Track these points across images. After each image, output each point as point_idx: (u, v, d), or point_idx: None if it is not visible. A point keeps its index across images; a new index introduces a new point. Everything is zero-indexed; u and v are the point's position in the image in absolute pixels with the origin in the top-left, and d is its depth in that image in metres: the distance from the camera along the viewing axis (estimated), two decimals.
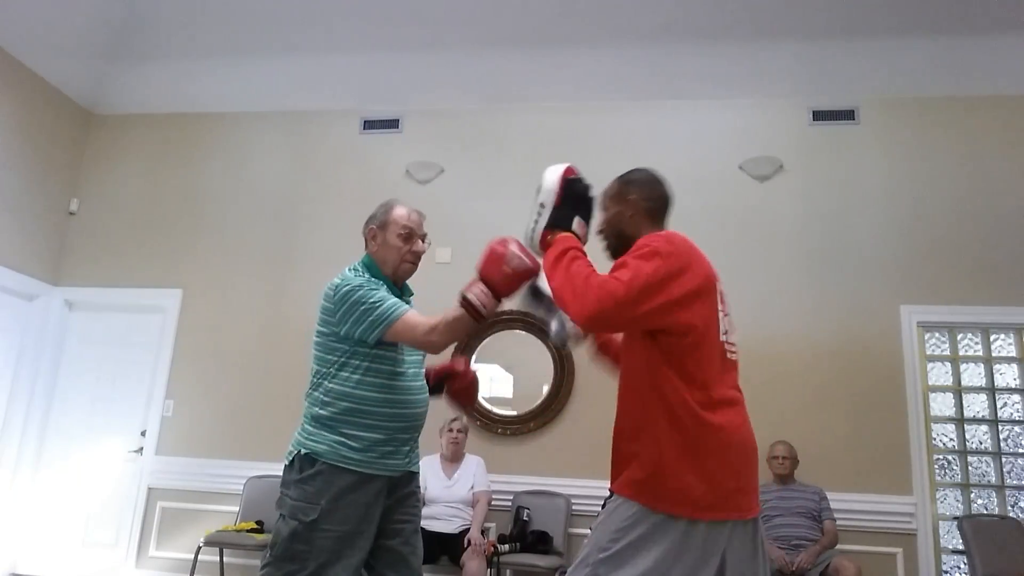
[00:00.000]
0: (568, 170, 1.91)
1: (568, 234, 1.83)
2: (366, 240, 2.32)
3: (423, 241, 2.32)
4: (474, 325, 2.06)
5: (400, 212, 2.29)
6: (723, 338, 1.74)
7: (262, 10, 5.13)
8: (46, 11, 4.94)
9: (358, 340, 2.13)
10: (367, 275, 2.24)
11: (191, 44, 5.38)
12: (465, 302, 2.00)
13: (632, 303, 1.59)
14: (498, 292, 2.00)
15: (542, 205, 1.87)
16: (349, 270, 2.25)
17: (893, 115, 4.89)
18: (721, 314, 1.75)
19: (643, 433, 1.68)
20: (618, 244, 1.90)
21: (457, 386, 2.33)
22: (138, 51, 5.46)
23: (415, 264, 2.31)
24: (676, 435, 1.62)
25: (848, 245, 4.72)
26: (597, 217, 1.97)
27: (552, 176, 1.90)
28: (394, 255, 2.26)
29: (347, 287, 2.15)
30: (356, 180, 5.31)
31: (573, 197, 1.87)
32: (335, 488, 2.08)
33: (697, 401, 1.63)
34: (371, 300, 2.11)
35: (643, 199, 1.89)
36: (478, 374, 2.37)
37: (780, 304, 4.66)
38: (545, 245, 1.83)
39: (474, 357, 4.85)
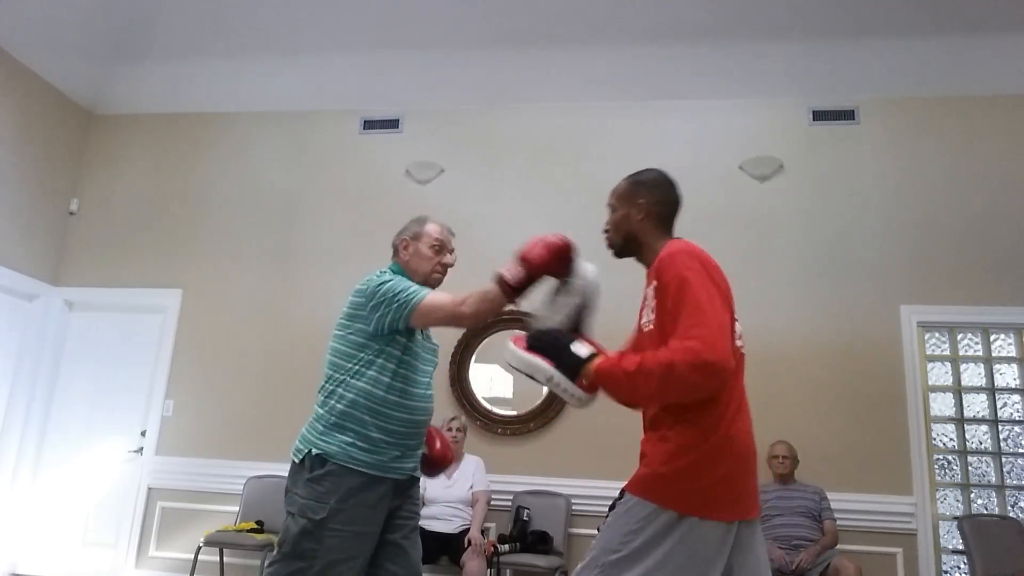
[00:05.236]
0: (517, 340, 1.83)
1: (593, 363, 1.70)
2: (396, 249, 2.45)
3: (451, 254, 2.46)
4: (504, 302, 2.11)
5: (433, 227, 2.45)
6: (739, 343, 1.76)
7: (262, 10, 5.13)
8: (46, 11, 4.94)
9: (389, 331, 2.21)
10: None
11: (191, 44, 5.38)
12: (498, 276, 2.06)
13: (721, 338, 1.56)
14: (531, 267, 2.02)
15: (549, 379, 1.74)
16: (380, 272, 2.34)
17: (893, 115, 4.89)
18: (734, 320, 1.76)
19: (663, 435, 1.67)
20: (624, 246, 1.90)
21: (427, 461, 2.46)
22: (138, 51, 5.46)
23: (443, 275, 2.44)
24: (700, 444, 1.61)
25: (848, 245, 4.72)
26: (606, 216, 1.95)
27: (522, 355, 1.79)
28: (425, 265, 2.39)
29: (379, 281, 2.25)
30: (356, 180, 5.31)
31: (551, 346, 1.76)
32: (344, 488, 2.12)
33: (725, 416, 1.64)
34: (397, 289, 2.21)
35: (653, 203, 1.86)
36: (448, 457, 2.51)
37: (780, 304, 4.66)
38: (592, 387, 1.72)
39: (474, 357, 4.85)
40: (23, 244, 5.16)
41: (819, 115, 4.96)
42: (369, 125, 5.44)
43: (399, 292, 2.20)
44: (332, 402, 2.21)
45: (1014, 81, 4.79)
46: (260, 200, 5.41)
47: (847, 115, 4.93)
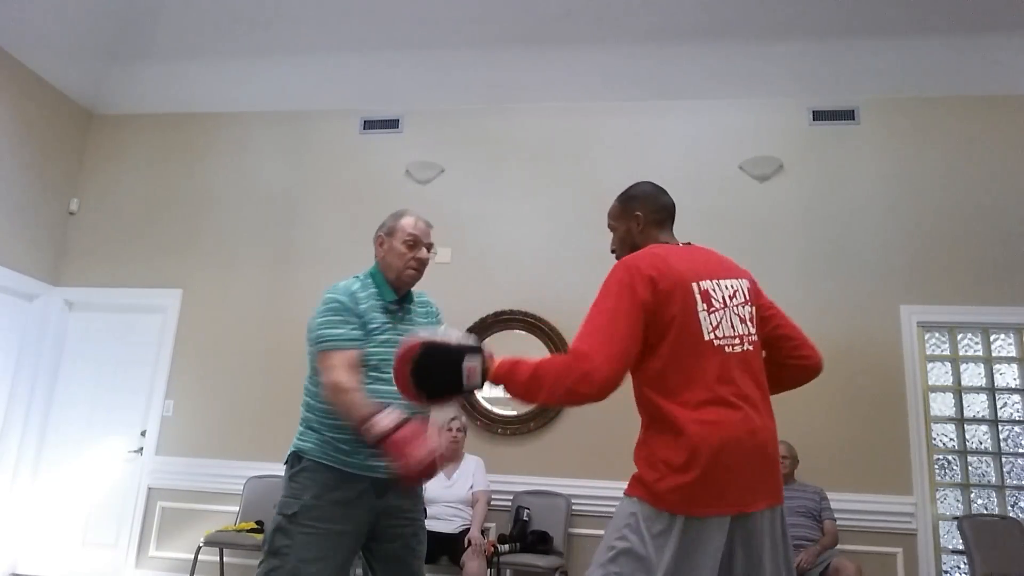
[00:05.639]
0: (407, 389, 1.74)
1: (487, 378, 1.69)
2: (375, 247, 2.38)
3: (428, 250, 2.36)
4: (354, 427, 2.03)
5: (407, 221, 2.35)
6: (709, 336, 1.72)
7: (262, 10, 5.13)
8: (46, 11, 4.94)
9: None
10: (371, 282, 2.30)
11: (191, 44, 5.38)
12: (372, 417, 1.95)
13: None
14: (394, 447, 1.93)
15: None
16: (353, 278, 2.30)
17: (893, 115, 4.89)
18: (704, 313, 1.73)
19: (643, 438, 1.73)
20: None
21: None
22: (138, 51, 5.46)
23: (419, 271, 2.34)
24: (671, 443, 1.64)
25: (848, 245, 4.72)
26: (609, 238, 1.99)
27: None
28: (398, 261, 2.30)
29: (328, 296, 2.22)
30: (356, 180, 5.31)
31: (444, 391, 1.74)
32: (317, 484, 2.12)
33: (690, 411, 1.64)
34: (326, 319, 2.16)
35: (648, 212, 1.94)
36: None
37: (780, 304, 4.63)
38: (494, 378, 1.69)
39: None
40: (23, 244, 5.16)
41: (819, 115, 4.96)
42: (369, 125, 5.44)
43: (319, 332, 2.14)
44: (306, 404, 2.23)
45: (1014, 81, 4.79)
46: (260, 200, 5.41)
47: (847, 115, 4.93)
